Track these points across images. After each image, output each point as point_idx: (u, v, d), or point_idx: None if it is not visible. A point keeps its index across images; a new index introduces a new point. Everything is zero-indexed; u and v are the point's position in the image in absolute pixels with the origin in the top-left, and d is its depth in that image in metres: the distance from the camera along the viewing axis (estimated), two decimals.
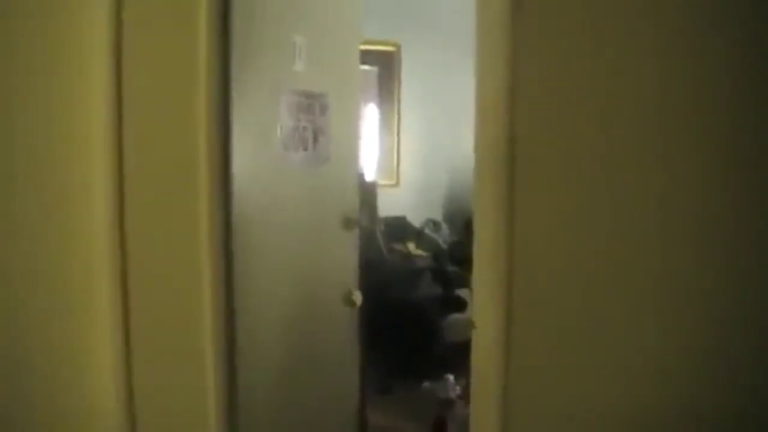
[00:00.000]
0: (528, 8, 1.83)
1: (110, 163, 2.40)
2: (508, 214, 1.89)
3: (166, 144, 2.42)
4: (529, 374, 1.91)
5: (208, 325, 2.42)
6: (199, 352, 2.42)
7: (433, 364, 4.44)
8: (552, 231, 1.84)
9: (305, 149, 2.81)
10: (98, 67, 2.35)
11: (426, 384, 4.23)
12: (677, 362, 1.63)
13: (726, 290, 1.56)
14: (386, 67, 5.93)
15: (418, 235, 5.60)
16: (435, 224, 5.90)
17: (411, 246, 5.36)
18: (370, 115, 5.92)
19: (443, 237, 5.76)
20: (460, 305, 4.77)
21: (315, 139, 2.85)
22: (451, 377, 4.06)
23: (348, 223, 3.06)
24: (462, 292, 4.77)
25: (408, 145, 6.09)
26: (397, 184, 6.05)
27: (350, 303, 3.05)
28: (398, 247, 5.27)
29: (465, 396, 3.71)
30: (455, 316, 4.75)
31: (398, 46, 5.92)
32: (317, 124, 2.86)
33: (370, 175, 5.39)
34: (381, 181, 5.67)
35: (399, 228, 5.52)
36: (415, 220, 5.80)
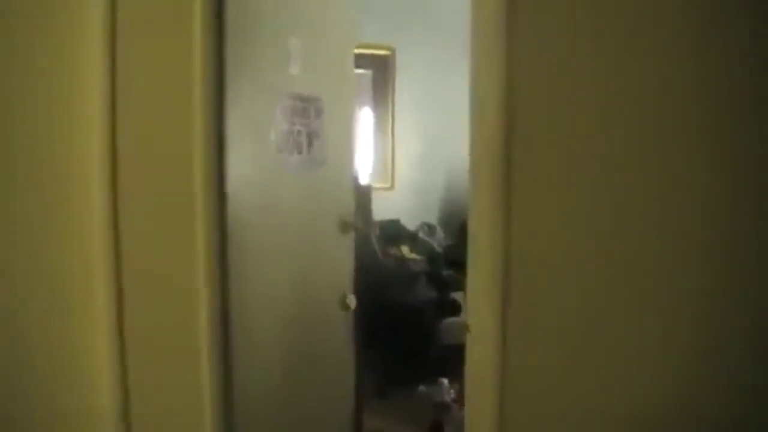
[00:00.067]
0: (523, 7, 1.84)
1: (105, 166, 2.39)
2: (504, 216, 1.88)
3: (161, 146, 2.41)
4: (524, 377, 1.91)
5: (203, 328, 2.41)
6: (195, 353, 2.42)
7: (428, 368, 4.43)
8: (548, 232, 1.84)
9: (300, 153, 2.80)
10: (93, 69, 2.34)
11: (422, 388, 4.23)
12: (677, 362, 1.63)
13: (726, 290, 1.56)
14: (381, 71, 5.94)
15: (412, 239, 5.60)
16: (429, 228, 5.90)
17: (405, 249, 5.36)
18: (365, 118, 5.92)
19: (438, 240, 5.76)
20: (455, 309, 4.77)
21: (310, 143, 2.85)
22: (445, 381, 4.05)
23: (343, 227, 3.06)
24: (457, 296, 4.77)
25: (402, 148, 6.09)
26: (391, 187, 6.04)
27: (345, 306, 3.05)
28: (393, 250, 5.27)
29: (460, 399, 3.71)
30: (450, 320, 4.75)
31: (393, 50, 5.93)
32: (312, 127, 2.86)
33: (364, 179, 5.39)
34: (375, 185, 5.67)
35: (393, 231, 5.52)
36: (410, 223, 5.80)
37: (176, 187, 2.41)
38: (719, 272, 1.57)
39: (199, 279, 2.41)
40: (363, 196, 4.62)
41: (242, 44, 2.50)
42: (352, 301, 3.06)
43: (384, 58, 5.92)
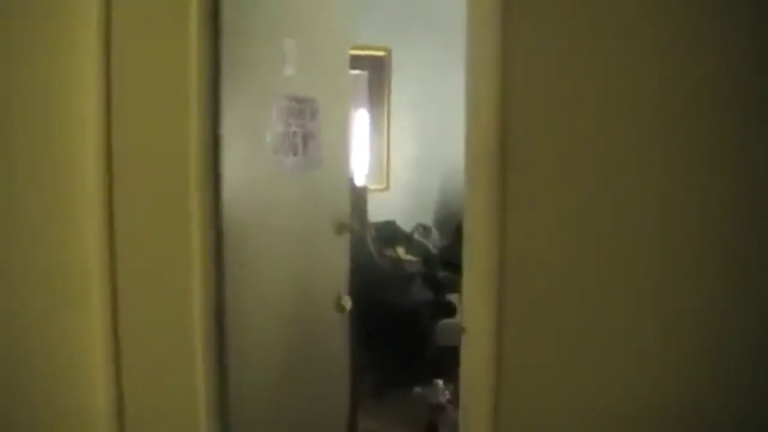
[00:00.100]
0: (517, 8, 1.84)
1: (100, 167, 2.39)
2: (499, 217, 1.89)
3: (156, 147, 2.41)
4: (519, 378, 1.91)
5: (198, 328, 2.41)
6: (190, 354, 2.41)
7: (424, 370, 4.43)
8: (543, 234, 1.84)
9: (295, 154, 2.80)
10: (88, 69, 2.34)
11: (417, 389, 4.22)
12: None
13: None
14: (377, 72, 5.93)
15: (408, 240, 5.59)
16: (425, 229, 5.90)
17: (401, 251, 5.36)
18: (361, 119, 5.92)
19: (433, 242, 5.76)
20: (451, 310, 4.77)
21: (305, 144, 2.85)
22: (440, 382, 4.05)
23: (339, 228, 3.06)
24: (452, 297, 4.77)
25: (398, 149, 6.09)
26: (387, 188, 6.04)
27: (340, 308, 3.05)
28: (388, 252, 5.27)
29: (455, 401, 3.71)
30: (445, 321, 4.74)
31: (389, 51, 5.93)
32: (307, 128, 2.86)
33: (360, 180, 5.39)
34: (371, 186, 5.67)
35: (389, 233, 5.52)
36: (405, 224, 5.80)
37: (172, 187, 2.41)
38: (719, 272, 1.57)
39: (195, 280, 2.41)
40: (358, 197, 4.62)
41: (238, 45, 2.50)
42: (347, 303, 3.06)
43: (380, 59, 5.92)
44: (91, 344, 2.41)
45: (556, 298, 1.83)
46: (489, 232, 1.90)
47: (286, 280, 2.85)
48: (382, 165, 6.04)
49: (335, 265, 3.09)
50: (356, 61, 4.48)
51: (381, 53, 5.90)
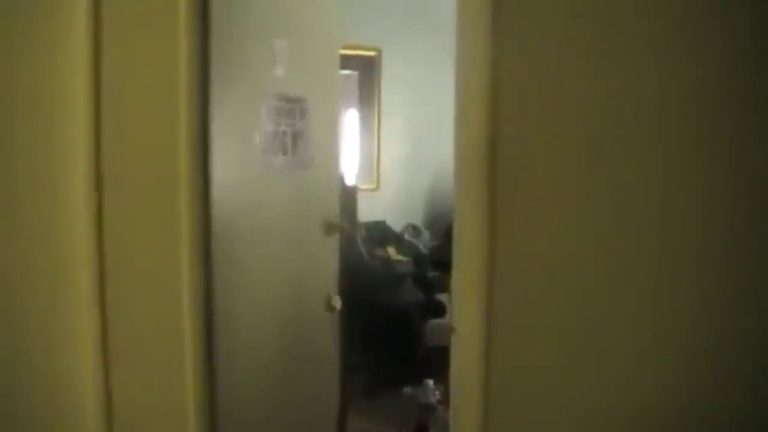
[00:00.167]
0: (508, 8, 1.84)
1: (89, 167, 2.37)
2: (489, 217, 1.89)
3: (145, 147, 2.40)
4: (509, 378, 1.91)
5: (187, 329, 2.41)
6: (179, 355, 2.41)
7: (414, 370, 4.43)
8: (533, 233, 1.84)
9: (285, 154, 2.80)
10: (76, 69, 2.33)
11: (407, 389, 4.22)
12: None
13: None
14: (367, 72, 5.93)
15: (398, 240, 5.60)
16: (415, 229, 5.90)
17: (391, 251, 5.36)
18: (351, 119, 5.92)
19: (424, 242, 5.77)
20: (441, 310, 4.78)
21: (295, 144, 2.85)
22: (431, 382, 4.05)
23: (329, 228, 3.06)
24: (442, 297, 4.78)
25: (388, 149, 6.09)
26: (377, 188, 6.04)
27: (330, 308, 3.04)
28: (379, 252, 5.27)
29: (445, 401, 3.71)
30: (435, 321, 4.75)
31: (379, 51, 5.93)
32: (297, 128, 2.85)
33: (350, 180, 5.39)
34: (361, 186, 5.66)
35: (379, 233, 5.52)
36: (396, 224, 5.80)
37: (161, 187, 2.40)
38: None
39: (184, 280, 2.40)
40: (348, 197, 4.62)
41: (227, 44, 2.49)
42: (337, 303, 3.06)
43: (370, 59, 5.92)
44: (80, 345, 2.40)
45: (545, 298, 1.83)
46: (478, 231, 1.90)
47: (276, 280, 2.85)
48: (372, 165, 6.04)
49: (325, 265, 3.09)
50: (346, 61, 4.48)
51: (371, 53, 5.90)
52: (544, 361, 1.84)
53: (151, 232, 2.41)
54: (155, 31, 2.36)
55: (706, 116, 1.56)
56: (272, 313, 2.83)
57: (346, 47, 4.27)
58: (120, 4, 2.36)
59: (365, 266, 4.91)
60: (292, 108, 2.83)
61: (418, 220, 6.13)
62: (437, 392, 4.01)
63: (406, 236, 5.73)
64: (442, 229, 5.50)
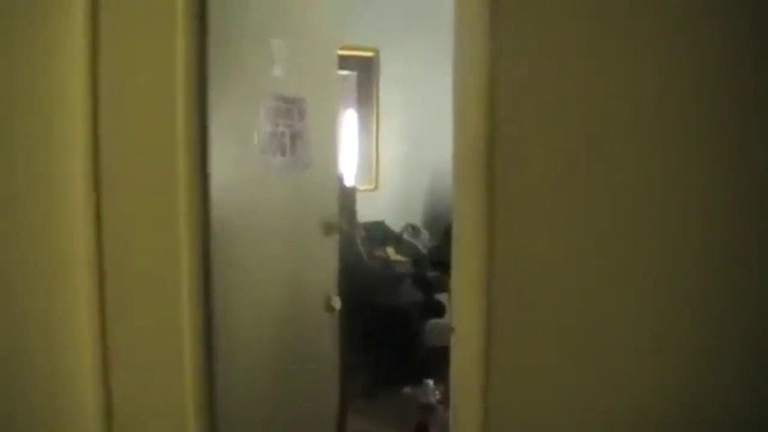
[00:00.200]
0: (506, 7, 1.84)
1: (87, 167, 2.38)
2: (488, 217, 1.88)
3: (144, 148, 2.40)
4: (508, 378, 1.91)
5: (186, 329, 2.41)
6: (178, 355, 2.41)
7: (414, 370, 4.43)
8: (532, 233, 1.84)
9: (283, 154, 2.80)
10: (74, 70, 2.33)
11: (407, 389, 4.22)
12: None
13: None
14: (365, 72, 5.93)
15: (397, 241, 5.60)
16: (414, 229, 5.90)
17: (390, 251, 5.36)
18: (349, 120, 5.92)
19: (423, 242, 5.76)
20: (440, 310, 4.77)
21: (293, 144, 2.84)
22: (430, 382, 4.05)
23: (328, 228, 3.06)
24: (441, 297, 4.78)
25: (387, 149, 6.09)
26: (376, 188, 6.04)
27: (329, 308, 3.04)
28: (378, 252, 5.27)
29: (445, 401, 3.71)
30: (435, 321, 4.75)
31: (377, 51, 5.93)
32: (296, 129, 2.85)
33: (349, 180, 5.39)
34: (360, 186, 5.66)
35: (378, 233, 5.52)
36: (395, 225, 5.80)
37: (159, 187, 2.40)
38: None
39: (183, 280, 2.40)
40: (347, 197, 4.62)
41: (225, 45, 2.49)
42: (336, 303, 3.06)
43: (368, 59, 5.92)
44: (79, 345, 2.40)
45: (545, 298, 1.83)
46: (477, 231, 1.90)
47: (275, 281, 2.84)
48: (370, 165, 6.04)
49: (324, 265, 3.09)
50: (345, 62, 4.49)
51: (369, 54, 5.90)
52: (543, 361, 1.84)
53: (150, 232, 2.41)
54: (153, 31, 2.36)
55: (705, 116, 1.56)
56: (271, 313, 2.83)
57: (344, 48, 4.27)
58: (118, 5, 2.36)
59: (364, 266, 4.91)
60: (291, 108, 2.82)
61: (417, 220, 6.13)
62: (437, 392, 4.01)
63: (406, 236, 5.73)
64: (442, 229, 5.50)
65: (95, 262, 2.40)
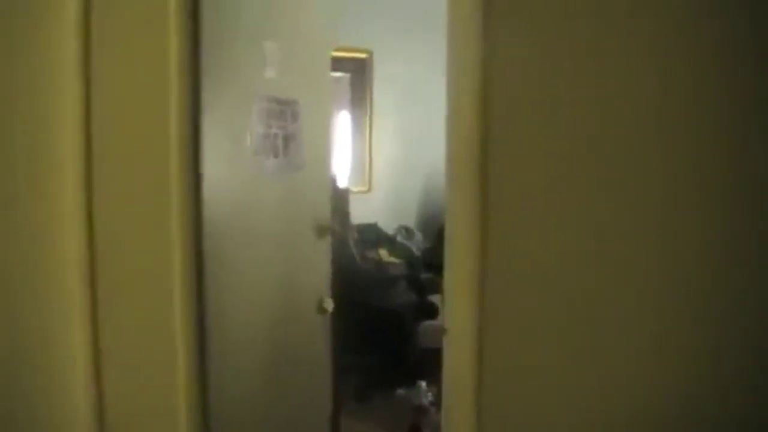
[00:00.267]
0: (499, 9, 1.84)
1: (80, 169, 2.37)
2: (481, 218, 1.89)
3: (136, 149, 2.40)
4: (501, 379, 1.91)
5: (179, 330, 2.40)
6: (170, 356, 2.40)
7: (407, 371, 4.43)
8: (525, 234, 1.84)
9: (276, 156, 2.79)
10: (66, 71, 2.32)
11: (400, 391, 4.22)
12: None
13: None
14: (359, 74, 5.93)
15: (390, 242, 5.59)
16: (407, 231, 5.90)
17: (383, 253, 5.36)
18: (343, 121, 5.92)
19: (416, 244, 5.76)
20: (433, 312, 4.77)
21: (286, 146, 2.84)
22: (423, 384, 4.05)
23: (320, 230, 3.06)
24: (434, 299, 4.77)
25: (380, 151, 6.09)
26: (369, 190, 6.04)
27: (322, 310, 3.04)
28: (371, 254, 5.27)
29: (438, 402, 3.71)
30: (428, 323, 4.75)
31: (371, 53, 5.93)
32: (288, 130, 2.85)
33: (342, 182, 5.38)
34: (353, 188, 5.66)
35: (372, 235, 5.51)
36: (388, 226, 5.80)
37: (152, 188, 2.40)
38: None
39: (175, 281, 2.39)
40: (340, 199, 4.62)
41: (218, 46, 2.49)
42: (329, 305, 3.06)
43: (362, 61, 5.92)
44: (71, 345, 2.39)
45: (538, 298, 1.83)
46: (470, 232, 1.90)
47: (268, 282, 2.84)
48: (364, 167, 6.04)
49: (317, 267, 3.09)
50: (338, 63, 4.48)
51: (363, 55, 5.90)
52: (537, 361, 1.84)
53: (142, 232, 2.40)
54: (145, 33, 2.36)
55: (705, 116, 1.56)
56: (264, 315, 2.83)
57: (337, 49, 4.27)
58: (110, 5, 2.35)
59: (357, 268, 4.90)
60: (283, 110, 2.82)
61: (410, 221, 6.13)
62: (430, 394, 4.01)
63: (399, 238, 5.73)
64: (435, 231, 5.50)
65: (87, 263, 2.39)
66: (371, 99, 6.02)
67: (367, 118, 6.03)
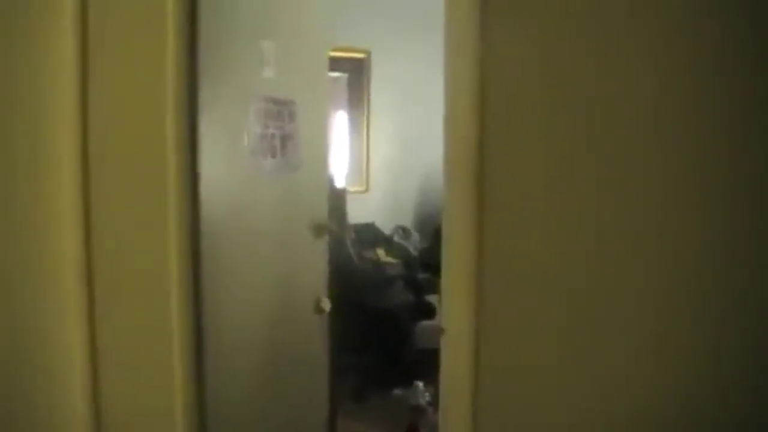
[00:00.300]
0: (496, 9, 1.84)
1: (76, 169, 2.37)
2: (478, 218, 1.89)
3: (134, 149, 2.39)
4: (499, 379, 1.91)
5: (176, 330, 2.40)
6: (167, 356, 2.40)
7: (404, 372, 4.43)
8: (522, 234, 1.84)
9: (274, 156, 2.79)
10: (64, 70, 2.32)
11: (397, 391, 4.22)
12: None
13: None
14: (356, 74, 5.93)
15: (387, 242, 5.59)
16: (404, 231, 5.90)
17: (381, 253, 5.36)
18: (340, 121, 5.91)
19: (413, 244, 5.76)
20: (431, 312, 4.77)
21: (284, 146, 2.84)
22: (420, 384, 4.05)
23: (318, 230, 3.05)
24: (432, 299, 4.78)
25: (378, 151, 6.09)
26: (366, 190, 6.04)
27: (319, 310, 3.04)
28: (368, 254, 5.26)
29: (435, 403, 3.71)
30: (425, 323, 4.75)
31: (368, 53, 5.93)
32: (286, 130, 2.85)
33: (339, 182, 5.38)
34: (350, 188, 5.66)
35: (369, 235, 5.51)
36: (385, 226, 5.80)
37: (149, 188, 2.39)
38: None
39: (172, 281, 2.39)
40: (338, 199, 4.61)
41: (216, 46, 2.48)
42: (326, 305, 3.06)
43: (360, 61, 5.92)
44: (68, 346, 2.39)
45: (535, 298, 1.83)
46: (467, 232, 1.90)
47: (265, 282, 2.84)
48: (361, 167, 6.04)
49: (314, 267, 3.09)
50: (336, 63, 4.48)
51: (361, 55, 5.90)
52: (534, 361, 1.84)
53: (139, 232, 2.40)
54: (143, 32, 2.35)
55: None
56: (261, 314, 2.83)
57: (335, 49, 4.27)
58: (107, 5, 2.35)
59: (354, 268, 4.90)
60: (281, 110, 2.82)
61: (407, 221, 6.13)
62: (427, 394, 4.01)
63: (396, 238, 5.73)
64: (432, 231, 5.50)
65: (84, 263, 2.39)
66: (369, 99, 6.02)
67: (365, 118, 6.03)
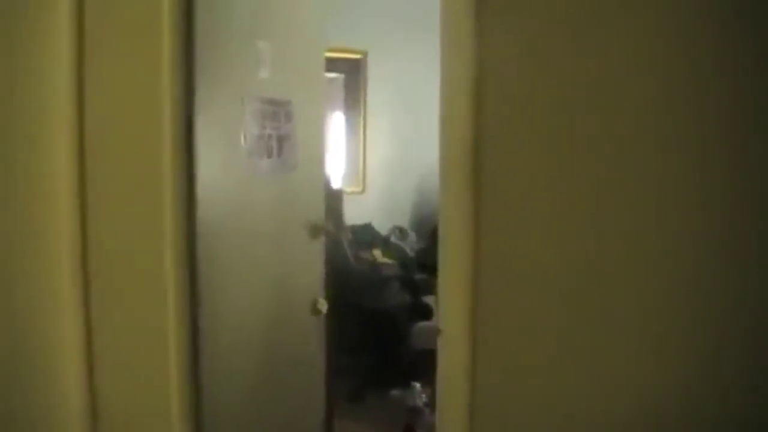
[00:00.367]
0: (492, 9, 1.84)
1: (73, 169, 2.36)
2: (474, 218, 1.88)
3: (130, 149, 2.39)
4: (495, 380, 1.91)
5: (172, 331, 2.40)
6: (163, 356, 2.40)
7: (401, 372, 4.42)
8: (519, 234, 1.84)
9: (270, 157, 2.79)
10: (60, 71, 2.31)
11: (394, 392, 4.21)
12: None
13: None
14: (353, 74, 5.93)
15: (384, 243, 5.59)
16: (401, 231, 5.90)
17: (377, 254, 5.35)
18: (337, 122, 5.91)
19: (410, 244, 5.76)
20: (427, 313, 4.77)
21: (280, 147, 2.84)
22: (417, 385, 4.05)
23: (314, 231, 3.05)
24: (429, 300, 4.77)
25: (374, 152, 6.08)
26: (363, 191, 6.04)
27: (316, 311, 3.03)
28: (365, 255, 5.26)
29: (432, 403, 3.70)
30: (422, 324, 4.74)
31: (365, 53, 5.93)
32: (282, 131, 2.84)
33: (336, 183, 5.38)
34: (347, 189, 5.66)
35: (365, 236, 5.51)
36: (382, 227, 5.79)
37: (145, 191, 2.39)
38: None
39: (169, 283, 2.39)
40: (334, 199, 4.61)
41: (212, 46, 2.48)
42: (323, 306, 3.05)
43: (356, 61, 5.92)
44: (65, 346, 2.39)
45: (532, 299, 1.83)
46: (464, 233, 1.90)
47: (262, 283, 2.83)
48: (358, 168, 6.04)
49: (311, 268, 3.08)
50: (332, 64, 4.47)
51: (357, 56, 5.90)
52: (530, 362, 1.84)
53: (135, 232, 2.40)
54: (139, 32, 2.35)
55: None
56: (258, 315, 2.82)
57: (331, 50, 4.26)
58: (104, 5, 2.34)
59: (351, 269, 4.90)
60: (277, 111, 2.82)
61: (404, 222, 6.12)
62: (424, 395, 4.00)
63: (393, 239, 5.72)
64: (429, 232, 5.50)
65: (80, 264, 2.38)
66: (365, 100, 6.02)
67: (361, 119, 6.02)
